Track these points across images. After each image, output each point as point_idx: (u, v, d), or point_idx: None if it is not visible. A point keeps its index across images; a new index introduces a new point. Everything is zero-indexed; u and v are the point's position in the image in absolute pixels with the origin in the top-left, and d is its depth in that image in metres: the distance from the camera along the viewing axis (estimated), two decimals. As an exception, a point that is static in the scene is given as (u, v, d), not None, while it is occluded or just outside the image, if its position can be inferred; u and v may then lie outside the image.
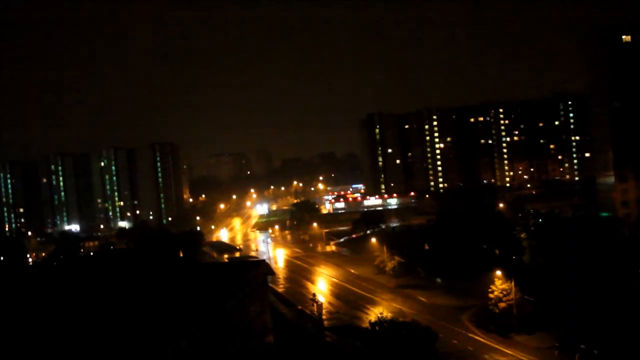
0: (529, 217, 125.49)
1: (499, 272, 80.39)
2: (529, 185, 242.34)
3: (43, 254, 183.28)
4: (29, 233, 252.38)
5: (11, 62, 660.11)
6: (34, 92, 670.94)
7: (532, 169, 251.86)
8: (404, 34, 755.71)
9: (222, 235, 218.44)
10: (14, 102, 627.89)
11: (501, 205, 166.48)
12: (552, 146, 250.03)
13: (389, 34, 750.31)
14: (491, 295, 79.27)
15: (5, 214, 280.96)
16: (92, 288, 69.81)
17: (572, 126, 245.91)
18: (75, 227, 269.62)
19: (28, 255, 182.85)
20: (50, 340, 47.19)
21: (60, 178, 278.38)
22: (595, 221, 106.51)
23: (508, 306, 77.02)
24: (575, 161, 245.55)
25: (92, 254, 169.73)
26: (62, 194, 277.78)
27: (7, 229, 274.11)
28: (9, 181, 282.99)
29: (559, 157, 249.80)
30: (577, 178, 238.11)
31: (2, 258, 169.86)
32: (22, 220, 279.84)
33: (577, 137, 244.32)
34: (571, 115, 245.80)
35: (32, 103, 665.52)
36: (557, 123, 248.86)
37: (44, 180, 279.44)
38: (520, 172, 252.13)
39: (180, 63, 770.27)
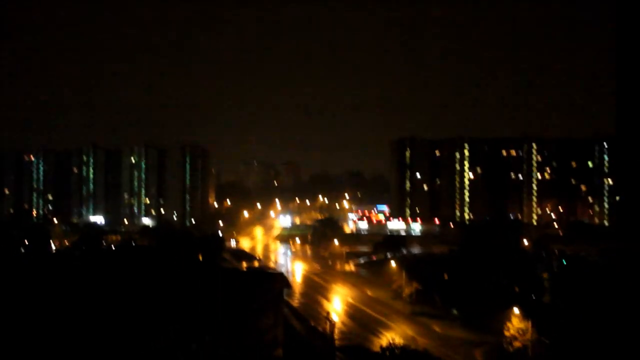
0: (554, 258, 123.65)
1: (516, 310, 79.19)
2: (556, 225, 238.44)
3: (66, 242, 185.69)
4: (55, 220, 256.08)
5: (51, 55, 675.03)
6: (74, 85, 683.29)
7: (560, 209, 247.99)
8: (443, 63, 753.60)
9: (242, 243, 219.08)
10: (52, 93, 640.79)
11: (526, 242, 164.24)
12: (583, 188, 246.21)
13: (428, 61, 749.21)
14: (507, 333, 78.07)
15: (35, 200, 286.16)
16: (111, 281, 70.49)
17: (606, 169, 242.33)
18: (100, 220, 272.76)
19: (52, 242, 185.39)
20: (62, 333, 47.71)
21: (91, 170, 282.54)
22: (623, 268, 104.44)
23: (523, 346, 75.71)
24: (606, 205, 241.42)
25: (113, 247, 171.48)
26: (91, 185, 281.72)
27: (34, 214, 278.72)
28: (41, 168, 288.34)
29: (590, 199, 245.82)
30: (606, 223, 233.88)
31: (27, 242, 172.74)
32: (50, 207, 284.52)
33: (610, 181, 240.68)
34: (606, 158, 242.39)
35: (70, 95, 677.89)
36: (591, 165, 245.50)
37: (75, 170, 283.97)
38: (548, 211, 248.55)
39: (225, 69, 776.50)
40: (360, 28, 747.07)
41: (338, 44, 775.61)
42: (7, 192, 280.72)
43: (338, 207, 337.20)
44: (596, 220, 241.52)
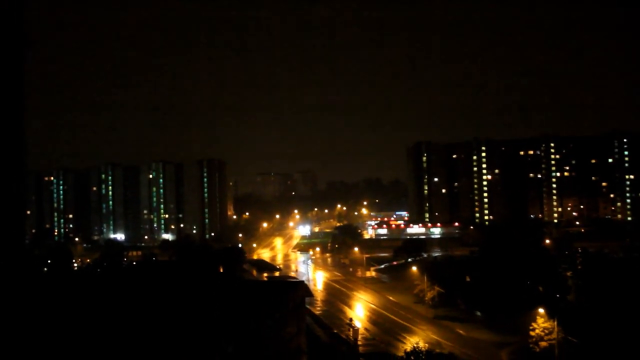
0: (577, 256, 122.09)
1: (541, 310, 78.27)
2: (577, 223, 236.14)
3: (88, 260, 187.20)
4: (76, 239, 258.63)
5: (71, 74, 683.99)
6: (90, 103, 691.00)
7: (581, 207, 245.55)
8: (458, 65, 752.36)
9: (262, 254, 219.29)
10: (70, 111, 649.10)
11: (547, 241, 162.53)
12: (604, 184, 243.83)
13: (440, 65, 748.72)
14: (532, 334, 77.21)
15: (55, 219, 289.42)
16: (132, 297, 70.79)
17: (626, 164, 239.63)
18: (120, 236, 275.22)
19: (74, 261, 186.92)
20: (86, 349, 47.92)
21: (110, 187, 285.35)
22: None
23: (549, 346, 74.75)
24: (629, 201, 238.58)
25: (135, 263, 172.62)
26: (110, 203, 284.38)
27: (56, 234, 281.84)
28: (61, 187, 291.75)
29: (611, 195, 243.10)
30: (629, 218, 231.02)
31: (49, 261, 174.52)
32: (71, 225, 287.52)
33: (632, 176, 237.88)
34: (626, 153, 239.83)
35: (87, 114, 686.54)
36: (610, 160, 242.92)
37: (94, 188, 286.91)
38: (569, 209, 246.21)
39: (239, 82, 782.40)
40: (372, 34, 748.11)
41: (351, 52, 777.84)
42: (28, 212, 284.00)
43: (356, 214, 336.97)
44: (619, 216, 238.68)
